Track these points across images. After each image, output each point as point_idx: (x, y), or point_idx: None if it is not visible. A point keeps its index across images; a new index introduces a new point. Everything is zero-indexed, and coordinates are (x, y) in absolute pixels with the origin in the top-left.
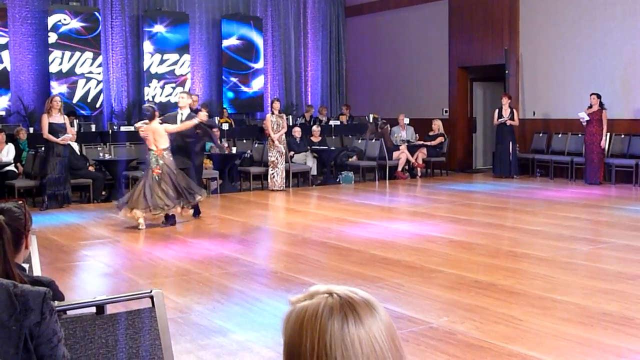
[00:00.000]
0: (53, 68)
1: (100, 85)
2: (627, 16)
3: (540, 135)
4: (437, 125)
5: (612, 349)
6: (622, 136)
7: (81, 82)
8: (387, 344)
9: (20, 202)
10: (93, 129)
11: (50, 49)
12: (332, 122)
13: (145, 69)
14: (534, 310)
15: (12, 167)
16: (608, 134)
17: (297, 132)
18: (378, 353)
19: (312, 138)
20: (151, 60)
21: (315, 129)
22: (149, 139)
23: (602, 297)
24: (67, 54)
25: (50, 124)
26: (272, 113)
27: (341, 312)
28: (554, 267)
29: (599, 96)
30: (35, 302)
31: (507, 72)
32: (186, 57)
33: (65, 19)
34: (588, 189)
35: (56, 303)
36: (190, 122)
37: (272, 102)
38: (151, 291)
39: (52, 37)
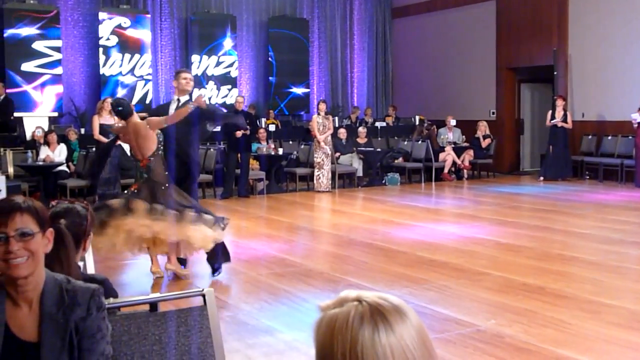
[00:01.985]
0: (105, 70)
1: (150, 86)
2: None
3: (590, 137)
4: (484, 127)
5: None
6: None
7: (140, 83)
8: (419, 350)
9: (85, 203)
10: None
11: (100, 51)
12: (378, 124)
13: (194, 72)
14: (583, 314)
15: (64, 167)
16: None
17: (342, 133)
18: None
19: (357, 139)
20: (207, 63)
21: (361, 130)
22: (131, 144)
23: None
24: (118, 55)
25: (100, 125)
26: (319, 114)
27: (372, 321)
28: (603, 271)
29: None
30: (83, 297)
31: (555, 73)
32: (233, 59)
33: (116, 22)
34: (638, 192)
35: (111, 300)
36: (184, 110)
37: (318, 104)
38: (203, 290)
39: (103, 40)
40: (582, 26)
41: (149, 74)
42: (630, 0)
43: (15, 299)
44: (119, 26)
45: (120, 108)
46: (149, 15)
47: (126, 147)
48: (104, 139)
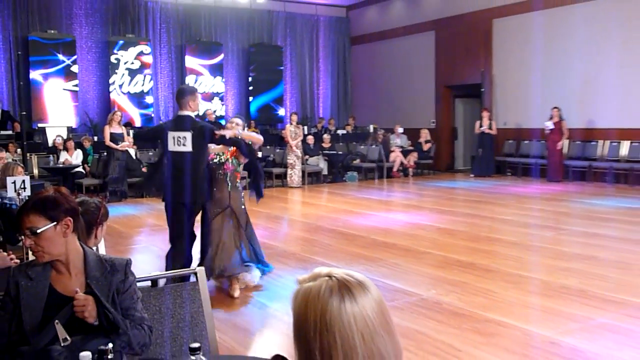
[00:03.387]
0: (113, 88)
1: (151, 100)
2: (584, 42)
3: (510, 141)
4: (425, 133)
5: (569, 316)
6: (578, 142)
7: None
8: (379, 319)
9: (101, 199)
10: None
11: (110, 72)
12: (339, 131)
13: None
14: (506, 285)
15: (80, 169)
16: (567, 140)
17: (310, 139)
18: (370, 328)
19: (323, 144)
20: (200, 81)
21: (326, 137)
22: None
23: (562, 274)
24: (126, 77)
25: (111, 134)
26: (291, 124)
27: (339, 293)
28: (522, 250)
29: (559, 109)
30: (120, 265)
31: (482, 89)
32: (219, 80)
33: (123, 48)
34: (550, 186)
35: None
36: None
37: (290, 115)
38: (195, 268)
39: (113, 63)
40: (504, 51)
41: (149, 90)
42: (544, 30)
43: (60, 269)
44: (127, 51)
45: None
46: (149, 43)
47: (132, 152)
48: (114, 145)
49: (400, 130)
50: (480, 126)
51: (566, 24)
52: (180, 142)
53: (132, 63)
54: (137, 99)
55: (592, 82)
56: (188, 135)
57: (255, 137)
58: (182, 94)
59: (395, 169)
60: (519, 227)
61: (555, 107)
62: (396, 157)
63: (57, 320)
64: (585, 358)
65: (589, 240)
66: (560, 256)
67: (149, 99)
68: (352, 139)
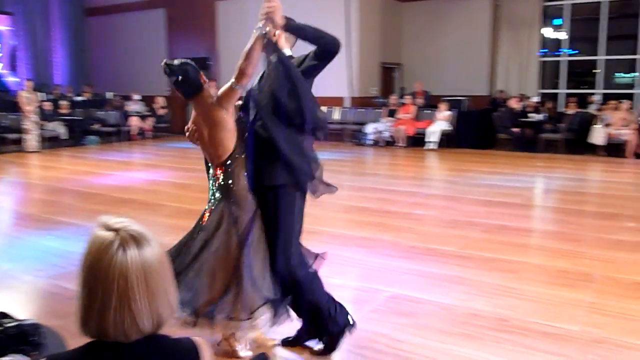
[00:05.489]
0: None
1: None
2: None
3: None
4: (161, 100)
5: None
6: None
7: None
8: (158, 265)
9: None
10: None
11: None
12: (78, 98)
13: None
14: None
15: None
16: None
17: (48, 105)
18: (148, 274)
19: (61, 110)
20: None
21: (64, 103)
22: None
23: None
24: None
25: None
26: (25, 90)
27: (123, 243)
28: None
29: None
30: None
31: (210, 62)
32: None
33: None
34: None
35: None
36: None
37: (25, 81)
38: None
39: None
40: (227, 30)
41: None
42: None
43: None
44: None
45: (179, 76)
46: None
47: None
48: None
49: (137, 97)
50: None
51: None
52: None
53: None
54: None
55: None
56: None
57: None
58: None
59: (133, 133)
60: None
61: None
62: (134, 121)
63: None
64: None
65: None
66: None
67: None
68: (91, 105)
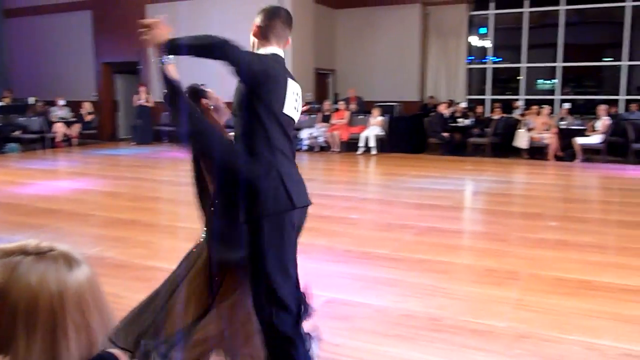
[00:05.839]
0: None
1: None
2: (220, 32)
3: (167, 113)
4: (88, 105)
5: None
6: None
7: None
8: (90, 291)
9: None
10: None
11: None
12: None
13: None
14: (163, 235)
15: None
16: None
17: None
18: (82, 299)
19: None
20: None
21: None
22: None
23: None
24: None
25: None
26: None
27: (55, 262)
28: (177, 205)
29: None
30: None
31: (140, 67)
32: None
33: None
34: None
35: None
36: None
37: None
38: None
39: None
40: None
41: None
42: (187, 19)
43: None
44: None
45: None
46: None
47: None
48: None
49: (62, 102)
50: (139, 99)
51: (207, 14)
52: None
53: None
54: None
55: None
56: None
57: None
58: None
59: (59, 139)
60: (175, 186)
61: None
62: (59, 128)
63: None
64: None
65: None
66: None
67: None
68: (12, 111)
